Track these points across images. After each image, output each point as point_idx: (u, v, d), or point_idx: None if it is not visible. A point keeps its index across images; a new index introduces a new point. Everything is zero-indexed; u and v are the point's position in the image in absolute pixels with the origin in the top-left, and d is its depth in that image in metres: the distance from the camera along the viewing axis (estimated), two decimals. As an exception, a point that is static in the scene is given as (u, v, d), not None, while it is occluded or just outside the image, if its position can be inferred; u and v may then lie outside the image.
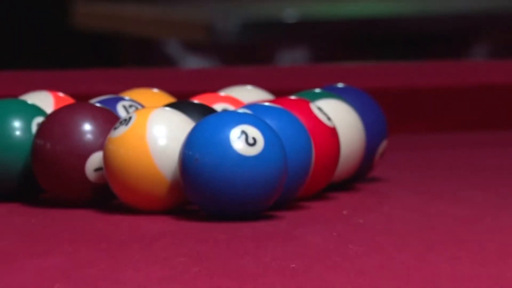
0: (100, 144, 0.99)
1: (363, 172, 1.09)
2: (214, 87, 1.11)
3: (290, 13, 2.63)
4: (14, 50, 3.17)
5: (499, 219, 1.04)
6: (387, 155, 1.12)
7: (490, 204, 1.09)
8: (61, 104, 1.05)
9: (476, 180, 1.17)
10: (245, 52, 2.58)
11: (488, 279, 0.86)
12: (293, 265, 0.89)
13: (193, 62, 2.86)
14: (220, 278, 0.86)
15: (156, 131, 0.97)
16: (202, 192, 0.97)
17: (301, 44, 2.92)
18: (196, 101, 1.04)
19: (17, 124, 1.02)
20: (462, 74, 1.43)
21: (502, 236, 0.98)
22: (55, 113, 1.03)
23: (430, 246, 0.96)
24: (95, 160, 1.00)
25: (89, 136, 1.00)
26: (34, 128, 1.02)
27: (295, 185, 1.00)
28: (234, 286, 0.83)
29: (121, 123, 0.98)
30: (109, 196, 1.01)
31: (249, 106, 1.03)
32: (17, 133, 1.02)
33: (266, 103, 1.04)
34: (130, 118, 0.98)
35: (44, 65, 1.26)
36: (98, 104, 1.03)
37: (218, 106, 1.04)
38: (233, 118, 0.96)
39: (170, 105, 1.01)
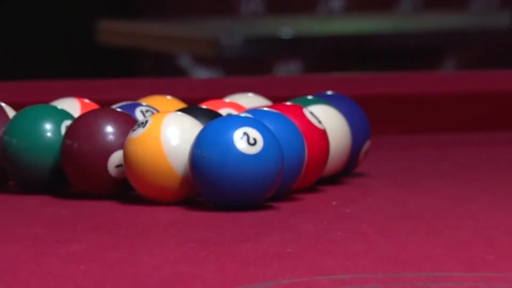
0: (121, 144, 1.00)
1: (349, 168, 1.09)
2: (220, 95, 1.12)
3: (286, 31, 2.63)
4: (47, 62, 3.16)
5: (469, 210, 1.04)
6: (370, 153, 1.12)
7: (462, 196, 1.09)
8: (87, 109, 1.06)
9: (449, 175, 1.17)
10: (246, 64, 2.58)
11: (459, 262, 0.86)
12: (289, 250, 0.89)
13: (202, 73, 2.88)
14: (225, 261, 0.87)
15: (169, 132, 0.98)
16: (209, 186, 0.97)
17: (295, 58, 2.93)
18: (204, 106, 1.04)
19: (48, 126, 1.02)
20: (434, 83, 1.43)
21: (472, 224, 0.99)
22: (81, 117, 1.03)
23: (409, 233, 0.96)
24: (116, 158, 1.00)
25: (111, 137, 1.00)
26: (63, 130, 1.02)
27: (290, 180, 1.00)
28: (237, 268, 0.84)
29: (138, 126, 0.99)
30: (128, 189, 1.01)
31: (250, 111, 1.03)
32: (48, 134, 1.02)
33: (265, 108, 1.04)
34: (146, 121, 0.98)
35: (72, 75, 1.26)
36: (118, 109, 1.04)
37: (223, 111, 1.04)
38: (236, 121, 0.97)
39: (182, 110, 1.01)
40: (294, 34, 2.61)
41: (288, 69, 2.95)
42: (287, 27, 2.68)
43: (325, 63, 2.82)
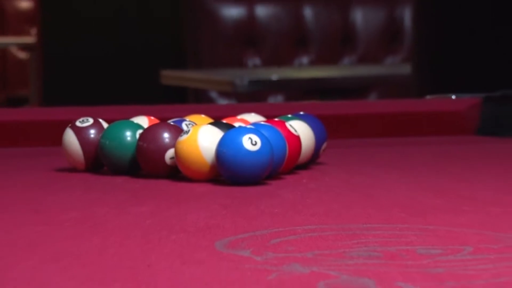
0: (173, 144, 0.98)
1: (313, 159, 1.08)
2: (234, 114, 1.10)
3: (274, 76, 2.63)
4: (130, 94, 3.17)
5: (391, 186, 1.03)
6: (327, 150, 1.10)
7: (388, 177, 1.08)
8: (152, 123, 1.05)
9: (377, 164, 1.16)
10: (250, 96, 2.59)
11: (384, 217, 0.85)
12: (276, 210, 0.88)
13: (223, 101, 2.89)
14: (237, 217, 0.85)
15: (202, 137, 0.96)
16: (227, 170, 0.96)
17: (280, 92, 2.93)
18: (224, 121, 1.03)
19: (128, 133, 1.02)
20: (364, 106, 1.44)
21: (392, 194, 0.97)
22: (148, 128, 1.02)
23: (352, 199, 0.95)
24: (170, 153, 0.99)
25: (166, 140, 0.99)
26: (137, 136, 1.01)
27: (277, 166, 0.99)
28: (244, 222, 0.82)
29: (184, 133, 0.98)
30: (177, 172, 0.99)
31: (253, 124, 1.02)
32: (128, 138, 1.01)
33: (262, 122, 1.03)
34: (188, 130, 0.98)
35: (144, 102, 1.27)
36: (172, 123, 1.02)
37: (236, 124, 1.02)
38: (244, 130, 0.96)
39: (210, 123, 1.00)
40: (279, 78, 2.61)
41: (276, 99, 2.95)
42: (274, 74, 2.68)
43: (298, 95, 2.82)
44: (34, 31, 4.33)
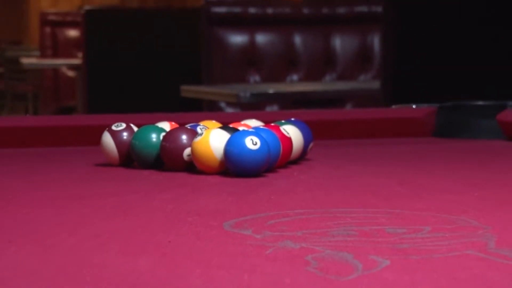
0: (189, 144, 0.97)
1: (302, 156, 1.07)
2: (239, 120, 1.09)
3: (270, 90, 2.61)
4: (156, 105, 3.18)
5: (364, 178, 1.01)
6: (313, 149, 1.09)
7: (359, 170, 1.07)
8: (173, 127, 1.04)
9: (355, 161, 1.14)
10: (252, 106, 2.57)
11: (358, 201, 0.84)
12: (272, 197, 0.87)
13: (230, 110, 2.87)
14: (241, 203, 0.85)
15: (213, 138, 0.96)
16: (233, 165, 0.95)
17: (275, 103, 2.91)
18: (231, 125, 1.02)
19: (154, 135, 1.00)
20: (342, 114, 1.42)
21: (361, 182, 0.96)
22: (170, 131, 1.01)
23: (333, 189, 0.94)
24: (187, 151, 0.98)
25: (184, 141, 0.98)
26: (161, 137, 1.00)
27: (273, 162, 0.98)
28: (248, 206, 0.82)
29: (198, 135, 0.97)
30: (193, 167, 0.98)
31: (254, 128, 1.01)
32: (154, 139, 1.00)
33: (261, 127, 1.02)
34: (202, 133, 0.97)
35: (166, 111, 1.25)
36: (189, 127, 1.01)
37: (240, 128, 1.01)
38: (246, 133, 0.95)
39: (220, 128, 0.99)
40: (275, 91, 2.59)
41: (272, 108, 2.93)
42: (271, 88, 2.66)
43: (290, 105, 2.80)
44: (80, 54, 4.33)
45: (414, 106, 1.38)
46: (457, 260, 0.60)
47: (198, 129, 1.01)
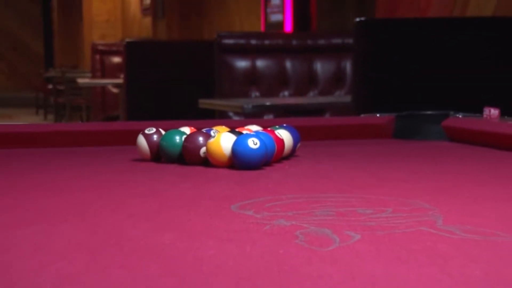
0: (205, 144, 0.96)
1: (292, 154, 1.05)
2: (243, 125, 1.08)
3: (267, 102, 2.60)
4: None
5: (342, 171, 0.99)
6: (300, 148, 1.08)
7: (342, 165, 1.05)
8: (192, 131, 1.02)
9: (336, 156, 1.13)
10: (253, 115, 2.55)
11: (337, 191, 0.82)
12: (269, 186, 0.86)
13: (236, 118, 2.85)
14: (245, 191, 0.83)
15: (224, 140, 0.94)
16: (238, 161, 0.94)
17: (271, 112, 2.89)
18: (237, 130, 1.00)
19: (177, 137, 0.99)
20: (323, 121, 1.41)
21: (345, 176, 0.94)
22: (190, 134, 1.00)
23: (317, 179, 0.92)
24: (203, 150, 0.97)
25: (201, 142, 0.97)
26: (183, 139, 0.98)
27: (269, 158, 0.97)
28: (249, 193, 0.80)
29: (211, 137, 0.95)
30: (207, 162, 0.97)
31: (255, 131, 0.99)
32: (177, 140, 0.99)
33: (260, 131, 1.00)
34: (215, 135, 0.95)
35: (187, 118, 1.23)
36: (204, 131, 1.00)
37: (244, 132, 1.00)
38: (249, 135, 0.94)
39: (228, 131, 0.98)
40: (271, 104, 2.58)
41: (268, 117, 2.91)
42: (268, 101, 2.65)
43: (282, 114, 2.79)
44: (122, 75, 4.33)
45: (378, 115, 1.37)
46: (413, 234, 0.59)
47: (212, 133, 0.99)
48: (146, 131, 1.02)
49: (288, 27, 4.56)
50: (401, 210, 0.68)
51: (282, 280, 0.47)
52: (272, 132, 0.99)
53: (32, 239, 0.58)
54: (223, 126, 1.07)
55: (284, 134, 1.01)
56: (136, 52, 3.83)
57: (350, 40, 2.74)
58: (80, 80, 5.60)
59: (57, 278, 0.47)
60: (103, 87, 5.91)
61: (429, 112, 1.34)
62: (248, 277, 0.47)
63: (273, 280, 0.47)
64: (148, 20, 7.54)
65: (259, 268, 0.49)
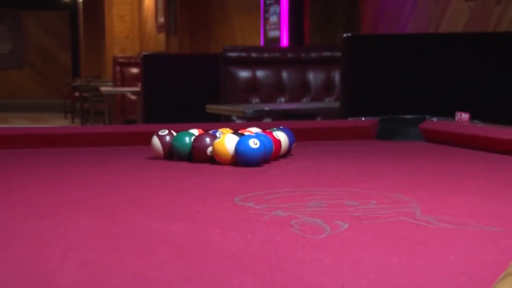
0: (211, 144, 0.95)
1: (288, 153, 1.05)
2: (245, 127, 1.07)
3: (266, 107, 2.59)
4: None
5: (335, 167, 0.98)
6: (295, 148, 1.07)
7: (332, 162, 1.04)
8: (200, 133, 1.01)
9: (327, 155, 1.12)
10: (254, 118, 2.54)
11: (328, 185, 0.81)
12: (267, 180, 0.85)
13: (239, 121, 2.83)
14: (246, 184, 0.82)
15: (228, 140, 0.94)
16: (241, 159, 0.93)
17: (269, 116, 2.88)
18: (239, 131, 0.99)
19: (187, 138, 0.99)
20: (315, 124, 1.40)
21: (334, 172, 0.94)
22: (198, 135, 0.99)
23: (310, 175, 0.91)
24: (210, 149, 0.96)
25: (208, 142, 0.96)
26: (192, 139, 0.98)
27: (268, 157, 0.96)
28: (250, 187, 0.79)
29: (217, 138, 0.94)
30: (213, 160, 0.96)
31: (255, 133, 0.99)
32: (187, 141, 0.98)
33: (260, 132, 0.99)
34: (220, 136, 0.94)
35: (196, 121, 1.21)
36: (211, 132, 0.99)
37: (246, 133, 0.99)
38: (249, 136, 0.93)
39: (232, 133, 0.97)
40: (269, 109, 2.57)
41: (267, 120, 2.90)
42: (266, 106, 2.64)
43: (279, 118, 2.78)
44: (139, 84, 4.32)
45: (363, 119, 1.36)
46: (394, 224, 0.58)
47: (217, 134, 0.99)
48: (160, 133, 1.01)
49: (284, 42, 4.56)
50: (384, 202, 0.67)
51: (279, 264, 0.46)
52: (270, 133, 0.98)
53: (58, 228, 0.57)
54: (227, 128, 1.06)
55: (280, 135, 1.00)
56: (152, 64, 3.82)
57: (338, 53, 2.73)
58: (103, 88, 5.60)
59: (80, 263, 0.46)
60: (123, 95, 5.90)
61: (408, 116, 1.33)
62: (249, 261, 0.47)
63: (271, 264, 0.46)
64: (162, 36, 7.53)
65: (258, 254, 0.48)
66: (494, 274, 0.41)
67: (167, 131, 1.02)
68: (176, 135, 1.00)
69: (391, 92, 2.10)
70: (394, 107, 1.70)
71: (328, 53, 3.29)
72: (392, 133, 1.30)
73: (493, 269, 0.44)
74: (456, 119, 1.29)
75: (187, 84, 3.74)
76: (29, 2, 12.38)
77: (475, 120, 1.28)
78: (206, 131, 1.01)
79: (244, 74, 3.21)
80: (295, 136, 1.04)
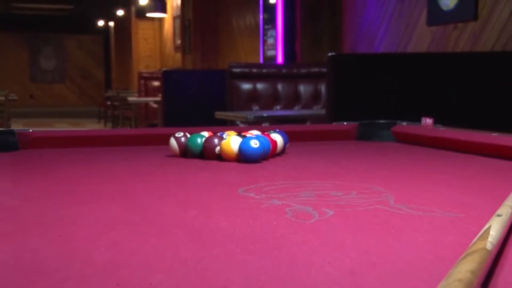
0: (219, 144, 0.94)
1: (283, 152, 1.03)
2: (247, 130, 1.05)
3: (265, 114, 2.57)
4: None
5: (321, 164, 0.97)
6: (289, 148, 1.06)
7: (319, 160, 1.03)
8: (210, 135, 1.00)
9: (315, 154, 1.11)
10: (254, 123, 2.52)
11: (316, 178, 0.80)
12: (266, 174, 0.84)
13: (242, 125, 2.81)
14: (248, 178, 0.81)
15: (233, 141, 0.93)
16: (243, 157, 0.92)
17: (267, 121, 2.86)
18: (242, 133, 0.98)
19: (199, 139, 0.98)
20: (305, 127, 1.38)
21: (321, 168, 0.92)
22: (208, 137, 0.98)
23: (302, 170, 0.90)
24: (218, 148, 0.95)
25: (216, 142, 0.95)
26: (203, 140, 0.96)
27: (266, 155, 0.94)
28: (251, 180, 0.78)
29: (224, 139, 0.93)
30: (221, 157, 0.95)
31: (255, 135, 0.98)
32: (199, 141, 0.97)
33: (259, 134, 0.98)
34: (226, 138, 0.93)
35: (207, 125, 1.19)
36: (219, 134, 0.98)
37: (248, 135, 0.98)
38: (250, 138, 0.92)
39: (236, 135, 0.96)
40: (267, 115, 2.55)
41: (265, 124, 2.87)
42: (265, 113, 2.63)
43: (275, 123, 2.75)
44: (160, 95, 4.32)
45: (345, 123, 1.35)
46: (372, 211, 0.57)
47: (224, 136, 0.98)
48: (176, 135, 1.00)
49: (280, 60, 4.56)
50: (363, 193, 0.66)
51: (275, 244, 0.45)
52: (268, 135, 0.98)
53: (90, 214, 0.56)
54: (232, 131, 1.05)
55: (277, 137, 0.99)
56: (170, 78, 3.83)
57: (324, 69, 2.72)
58: (130, 98, 5.60)
59: (108, 244, 0.45)
60: (146, 103, 5.90)
61: (382, 121, 1.32)
62: (250, 241, 0.46)
63: (268, 244, 0.45)
64: (179, 55, 7.55)
65: (258, 235, 0.48)
66: (456, 253, 0.41)
67: (182, 133, 1.01)
68: (190, 137, 0.99)
69: (368, 101, 2.11)
70: (370, 114, 1.70)
71: (316, 69, 3.29)
72: (369, 135, 1.29)
73: (455, 249, 0.44)
74: (422, 123, 1.29)
75: (199, 94, 3.76)
76: (70, 28, 12.54)
77: (437, 124, 1.28)
78: (214, 133, 1.00)
79: (246, 86, 3.21)
80: (288, 137, 1.03)
